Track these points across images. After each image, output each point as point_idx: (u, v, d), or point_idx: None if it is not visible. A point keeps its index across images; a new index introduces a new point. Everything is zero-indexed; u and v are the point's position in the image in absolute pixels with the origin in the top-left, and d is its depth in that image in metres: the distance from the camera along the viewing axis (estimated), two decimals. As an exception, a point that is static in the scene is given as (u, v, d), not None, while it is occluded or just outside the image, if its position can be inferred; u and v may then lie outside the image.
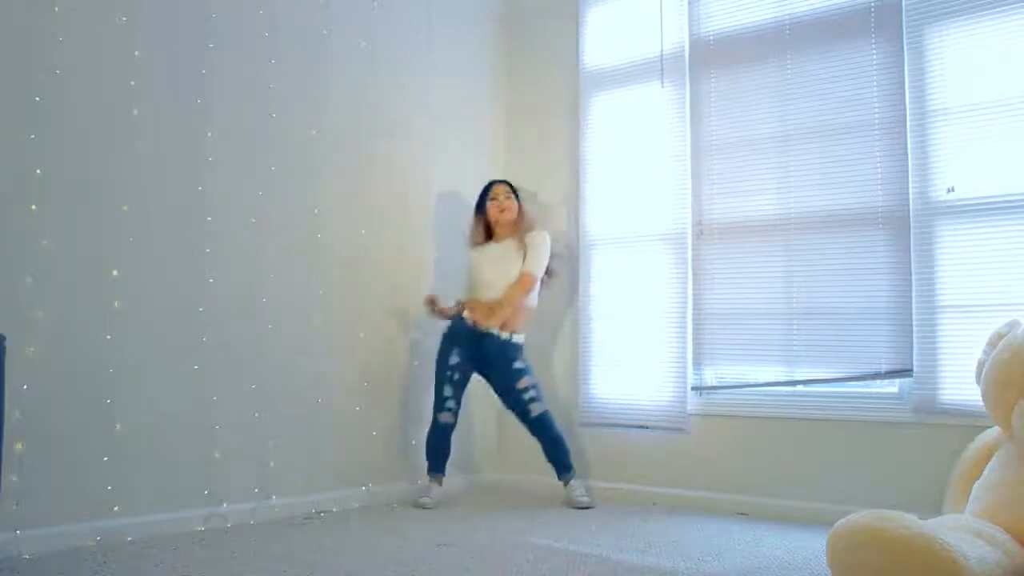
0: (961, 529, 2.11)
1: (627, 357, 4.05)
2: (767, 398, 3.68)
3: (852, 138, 3.48)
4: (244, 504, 3.33)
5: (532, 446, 3.93)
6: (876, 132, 3.42)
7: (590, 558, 2.72)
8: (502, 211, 3.93)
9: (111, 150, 3.04)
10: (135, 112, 3.09)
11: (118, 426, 2.98)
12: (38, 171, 2.84)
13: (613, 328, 4.11)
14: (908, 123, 3.34)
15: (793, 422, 3.56)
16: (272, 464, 3.44)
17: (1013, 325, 2.56)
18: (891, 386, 3.42)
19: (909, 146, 3.34)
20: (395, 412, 3.96)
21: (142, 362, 3.07)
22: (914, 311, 3.30)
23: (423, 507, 3.68)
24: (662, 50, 4.02)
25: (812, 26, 3.61)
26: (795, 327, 3.60)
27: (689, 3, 3.96)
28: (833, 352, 3.50)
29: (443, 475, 3.82)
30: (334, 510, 3.60)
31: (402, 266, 4.05)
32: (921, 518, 1.98)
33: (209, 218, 3.30)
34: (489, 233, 4.00)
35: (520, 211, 3.97)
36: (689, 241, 3.90)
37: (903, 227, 3.34)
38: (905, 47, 3.36)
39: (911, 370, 3.29)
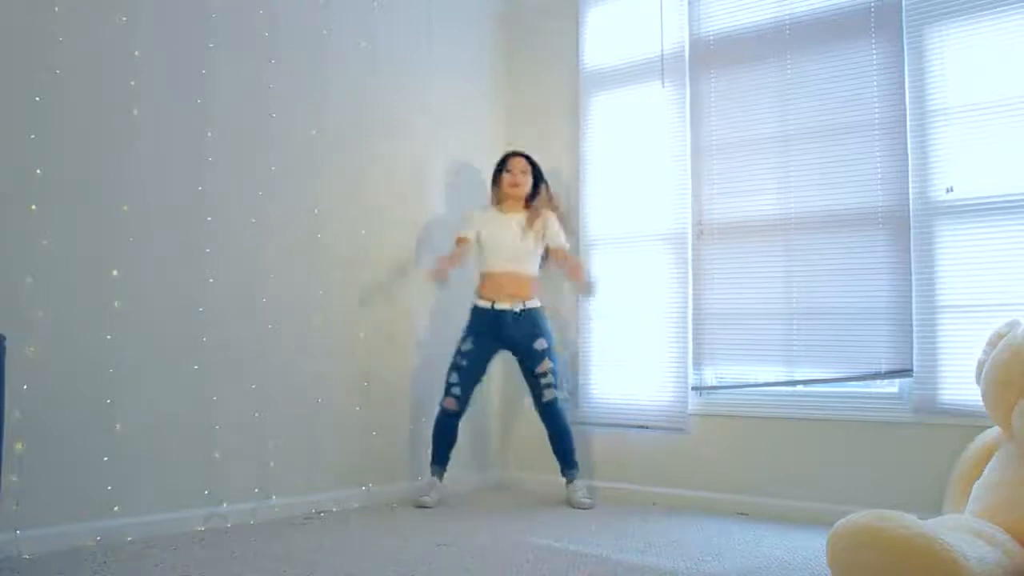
0: (961, 529, 2.11)
1: (627, 357, 4.05)
2: (767, 398, 3.68)
3: (852, 138, 3.48)
4: (244, 504, 3.33)
5: (533, 446, 3.94)
6: (876, 132, 3.42)
7: (590, 558, 2.72)
8: (514, 186, 3.91)
9: (111, 150, 3.04)
10: (135, 112, 3.09)
11: (118, 426, 2.98)
12: (38, 171, 2.84)
13: (613, 328, 4.11)
14: (908, 123, 3.34)
15: (793, 422, 3.56)
16: (272, 464, 3.44)
17: (1013, 325, 2.56)
18: (891, 386, 3.42)
19: (909, 146, 3.34)
20: (395, 412, 3.96)
21: (142, 362, 3.07)
22: (914, 311, 3.30)
23: (424, 506, 3.69)
24: (662, 50, 4.02)
25: (812, 26, 3.61)
26: (795, 327, 3.60)
27: (689, 3, 3.96)
28: (833, 352, 3.50)
29: (444, 470, 3.81)
30: (334, 510, 3.60)
31: (402, 266, 4.04)
32: (921, 518, 1.98)
33: (209, 218, 3.30)
34: (498, 202, 3.99)
35: (537, 189, 3.94)
36: (689, 241, 3.90)
37: (903, 227, 3.34)
38: (905, 47, 3.36)
39: (911, 370, 3.29)
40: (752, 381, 3.78)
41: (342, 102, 3.81)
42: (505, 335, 3.82)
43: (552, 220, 3.93)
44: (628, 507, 3.72)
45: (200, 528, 3.16)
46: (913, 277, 3.31)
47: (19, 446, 2.70)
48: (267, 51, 3.53)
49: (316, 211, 3.69)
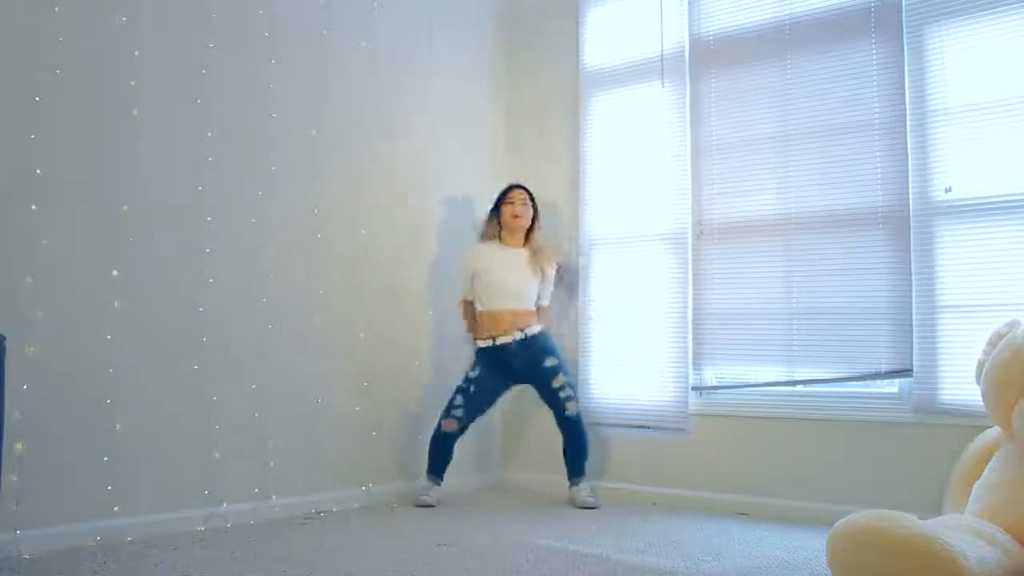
0: (961, 529, 2.11)
1: (627, 357, 4.05)
2: (767, 398, 3.68)
3: (852, 138, 3.48)
4: (244, 504, 3.33)
5: (533, 446, 3.94)
6: (876, 132, 3.42)
7: (590, 558, 2.72)
8: (515, 217, 3.91)
9: (111, 150, 3.04)
10: (135, 112, 3.09)
11: (118, 426, 2.98)
12: (38, 171, 2.84)
13: (613, 328, 4.11)
14: (908, 123, 3.34)
15: (793, 422, 3.56)
16: (272, 464, 3.44)
17: (1013, 325, 2.56)
18: (891, 386, 3.41)
19: (909, 146, 3.34)
20: (395, 412, 3.96)
21: (142, 362, 3.07)
22: (914, 311, 3.30)
23: (425, 504, 3.69)
24: (662, 50, 4.02)
25: (812, 26, 3.61)
26: (795, 327, 3.60)
27: (689, 3, 3.96)
28: (833, 352, 3.50)
29: (441, 480, 3.83)
30: (334, 510, 3.60)
31: (402, 266, 4.05)
32: (921, 518, 1.98)
33: (209, 218, 3.30)
34: (498, 234, 3.98)
35: (534, 220, 3.95)
36: (689, 241, 3.90)
37: (903, 227, 3.34)
38: (905, 47, 3.36)
39: (911, 370, 3.29)
40: (752, 381, 3.78)
41: (342, 102, 3.81)
42: (514, 368, 3.83)
43: (549, 278, 3.94)
44: (628, 507, 3.72)
45: (200, 528, 3.16)
46: (913, 277, 3.31)
47: (19, 446, 2.70)
48: (267, 51, 3.53)
49: (316, 211, 3.69)
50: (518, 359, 3.82)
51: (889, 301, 3.36)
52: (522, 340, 3.82)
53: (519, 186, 3.99)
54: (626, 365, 4.05)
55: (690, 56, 3.96)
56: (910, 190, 3.33)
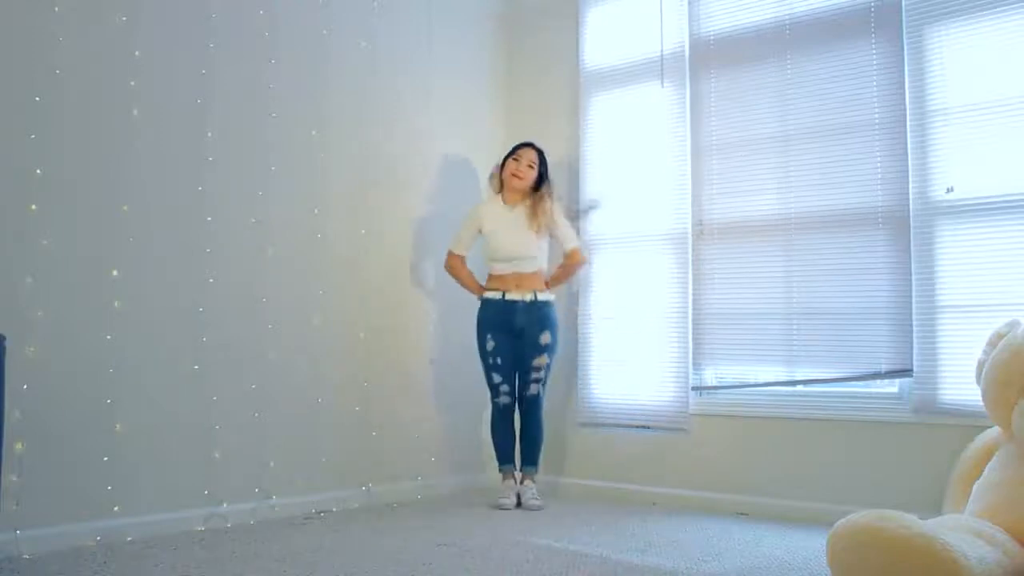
0: (961, 529, 2.10)
1: (628, 357, 4.05)
2: (767, 398, 3.68)
3: (852, 138, 3.48)
4: (244, 504, 3.33)
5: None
6: (876, 132, 3.42)
7: (590, 558, 2.72)
8: (514, 176, 3.85)
9: (111, 150, 3.04)
10: (135, 112, 3.09)
11: (118, 426, 2.98)
12: (38, 171, 2.84)
13: (613, 328, 4.11)
14: (908, 123, 3.34)
15: (793, 422, 3.56)
16: (272, 464, 3.44)
17: (1013, 325, 2.56)
18: (891, 386, 3.42)
19: (909, 146, 3.34)
20: (395, 412, 3.95)
21: (142, 362, 3.07)
22: (914, 311, 3.30)
23: (503, 508, 3.68)
24: (662, 50, 4.02)
25: (812, 26, 3.61)
26: (795, 327, 3.60)
27: (689, 3, 3.96)
28: (833, 352, 3.50)
29: (515, 467, 3.85)
30: (334, 510, 3.60)
31: (402, 266, 4.05)
32: (921, 518, 1.98)
33: (209, 218, 3.30)
34: (500, 189, 3.96)
35: (542, 183, 3.88)
36: (689, 241, 3.90)
37: (903, 227, 3.34)
38: (905, 47, 3.36)
39: (911, 370, 3.29)
40: (752, 381, 3.78)
41: (342, 102, 3.81)
42: (516, 324, 3.82)
43: (558, 216, 3.89)
44: (628, 507, 3.72)
45: (200, 528, 3.16)
46: (913, 277, 3.31)
47: (19, 446, 2.70)
48: (267, 51, 3.53)
49: (316, 211, 3.69)
50: (520, 317, 3.80)
51: (889, 301, 3.36)
52: (531, 302, 3.81)
53: (531, 145, 3.92)
54: (626, 365, 4.05)
55: (690, 56, 3.96)
56: (910, 190, 3.33)
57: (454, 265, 3.95)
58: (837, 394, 3.52)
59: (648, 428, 3.95)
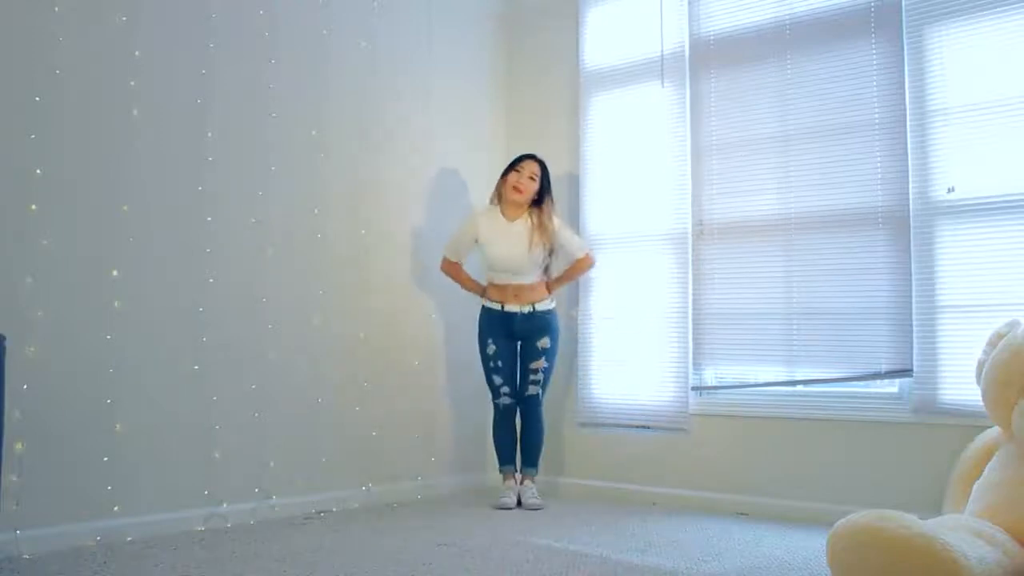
0: (961, 529, 2.10)
1: (627, 357, 4.05)
2: (767, 398, 3.68)
3: (852, 138, 3.48)
4: (244, 504, 3.33)
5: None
6: (876, 132, 3.42)
7: (590, 558, 2.72)
8: (515, 189, 3.82)
9: (111, 150, 3.04)
10: (135, 112, 3.09)
11: (118, 426, 2.98)
12: (38, 171, 2.84)
13: (613, 328, 4.11)
14: (908, 123, 3.34)
15: (793, 422, 3.56)
16: (272, 464, 3.44)
17: (1013, 325, 2.56)
18: (891, 386, 3.42)
19: (909, 146, 3.34)
20: (395, 412, 3.95)
21: (142, 362, 3.07)
22: (914, 311, 3.30)
23: (503, 508, 3.68)
24: (662, 50, 4.02)
25: (812, 26, 3.61)
26: (795, 327, 3.60)
27: (689, 3, 3.96)
28: (833, 352, 3.50)
29: (515, 468, 3.86)
30: (334, 510, 3.60)
31: (402, 266, 4.05)
32: (921, 518, 1.98)
33: (209, 218, 3.30)
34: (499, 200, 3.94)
35: (542, 197, 3.85)
36: (689, 241, 3.90)
37: (903, 227, 3.34)
38: (905, 47, 3.36)
39: (911, 370, 3.29)
40: (752, 381, 3.78)
41: (342, 102, 3.81)
42: (515, 331, 3.85)
43: (562, 229, 3.89)
44: (628, 507, 3.73)
45: (200, 528, 3.16)
46: (913, 277, 3.31)
47: (19, 446, 2.70)
48: (267, 51, 3.53)
49: (316, 211, 3.69)
50: (520, 326, 3.83)
51: (889, 301, 3.36)
52: (530, 313, 3.83)
53: (533, 157, 3.89)
54: (626, 365, 4.05)
55: (690, 56, 3.96)
56: (910, 190, 3.33)
57: (450, 271, 3.98)
58: (837, 394, 3.52)
59: (648, 428, 3.95)
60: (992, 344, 2.60)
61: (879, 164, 3.41)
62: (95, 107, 3.00)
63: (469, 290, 3.98)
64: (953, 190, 3.24)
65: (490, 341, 3.85)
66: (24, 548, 2.68)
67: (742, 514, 3.54)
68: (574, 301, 4.24)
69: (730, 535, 3.12)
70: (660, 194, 4.00)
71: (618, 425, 4.05)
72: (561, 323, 4.00)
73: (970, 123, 3.21)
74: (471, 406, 4.21)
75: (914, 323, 3.29)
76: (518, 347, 3.88)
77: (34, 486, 2.74)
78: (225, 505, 3.26)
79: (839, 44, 3.53)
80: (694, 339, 3.86)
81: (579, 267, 3.98)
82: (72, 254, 2.92)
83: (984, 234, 3.16)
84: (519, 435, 3.90)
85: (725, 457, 3.73)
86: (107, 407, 2.96)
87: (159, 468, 3.09)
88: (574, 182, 4.31)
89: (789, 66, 3.66)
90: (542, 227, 3.81)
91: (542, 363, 3.83)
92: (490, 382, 3.88)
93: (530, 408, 3.86)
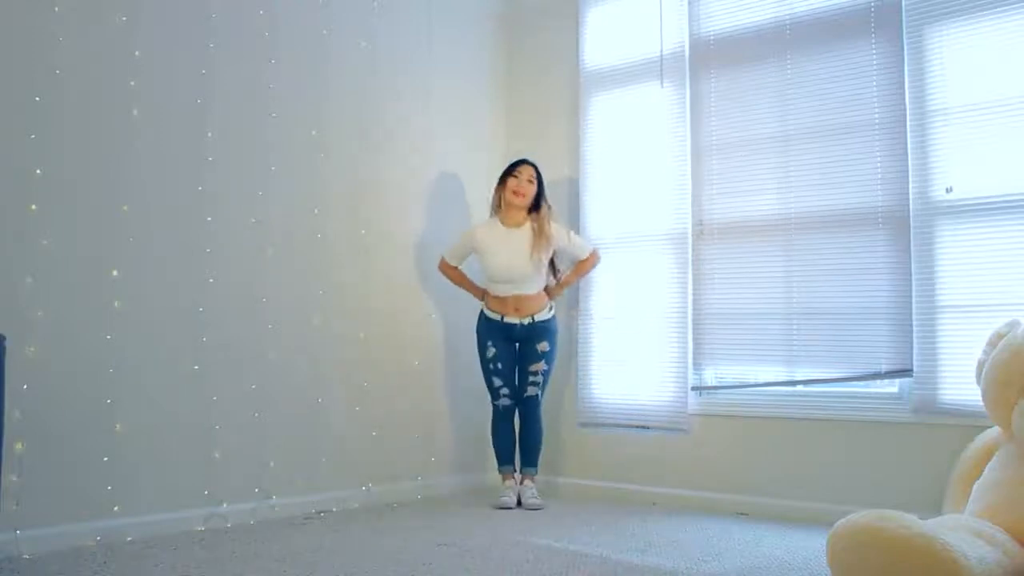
0: (961, 529, 2.10)
1: (627, 357, 4.05)
2: (767, 398, 3.68)
3: (852, 138, 3.48)
4: (244, 504, 3.33)
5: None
6: (876, 132, 3.42)
7: (590, 558, 2.72)
8: (516, 193, 3.84)
9: (111, 150, 3.03)
10: (135, 112, 3.09)
11: (118, 426, 2.98)
12: (38, 171, 2.84)
13: (613, 328, 4.11)
14: (908, 123, 3.34)
15: (793, 422, 3.56)
16: (272, 464, 3.44)
17: (1013, 325, 2.56)
18: (891, 386, 3.42)
19: (909, 146, 3.34)
20: (395, 412, 3.95)
21: (142, 362, 3.07)
22: (914, 311, 3.30)
23: (505, 507, 3.69)
24: (662, 50, 4.02)
25: (812, 26, 3.61)
26: (795, 327, 3.60)
27: (689, 3, 3.96)
28: (833, 352, 3.50)
29: (514, 468, 3.87)
30: (334, 510, 3.60)
31: (402, 266, 4.05)
32: (921, 518, 1.98)
33: (209, 218, 3.30)
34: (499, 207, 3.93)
35: (540, 200, 3.87)
36: (689, 241, 3.90)
37: (903, 227, 3.34)
38: (905, 47, 3.36)
39: (911, 370, 3.29)
40: (752, 381, 3.78)
41: (342, 102, 3.81)
42: (515, 336, 3.87)
43: (562, 232, 3.90)
44: (628, 507, 3.72)
45: (200, 528, 3.16)
46: (913, 277, 3.31)
47: (19, 446, 2.70)
48: (267, 51, 3.53)
49: (316, 211, 3.69)
50: (519, 334, 3.85)
51: (889, 301, 3.36)
52: (529, 324, 3.84)
53: (528, 162, 3.92)
54: (626, 365, 4.05)
55: (690, 56, 3.96)
56: (910, 190, 3.33)
57: (448, 273, 4.00)
58: (837, 394, 3.52)
59: (648, 428, 3.95)
60: (992, 344, 2.60)
61: (879, 164, 3.41)
62: (95, 107, 3.00)
63: (469, 291, 3.99)
64: (951, 190, 3.24)
65: (489, 344, 3.87)
66: (24, 548, 2.68)
67: (742, 514, 3.54)
68: (574, 301, 4.24)
69: (730, 535, 3.12)
70: (660, 194, 4.00)
71: (618, 425, 4.05)
72: (561, 324, 4.01)
73: (970, 123, 3.21)
74: (471, 406, 4.21)
75: (914, 323, 3.29)
76: (517, 349, 3.89)
77: (34, 486, 2.74)
78: (225, 505, 3.26)
79: (839, 44, 3.53)
80: (694, 339, 3.86)
81: (585, 266, 4.01)
82: (72, 254, 2.92)
83: (984, 234, 3.16)
84: (518, 435, 3.90)
85: (725, 457, 3.73)
86: (107, 407, 2.96)
87: (159, 468, 3.09)
88: (574, 182, 4.31)
89: (789, 66, 3.66)
90: (542, 232, 3.83)
91: (541, 365, 3.85)
92: (489, 384, 3.90)
93: (529, 409, 3.87)
